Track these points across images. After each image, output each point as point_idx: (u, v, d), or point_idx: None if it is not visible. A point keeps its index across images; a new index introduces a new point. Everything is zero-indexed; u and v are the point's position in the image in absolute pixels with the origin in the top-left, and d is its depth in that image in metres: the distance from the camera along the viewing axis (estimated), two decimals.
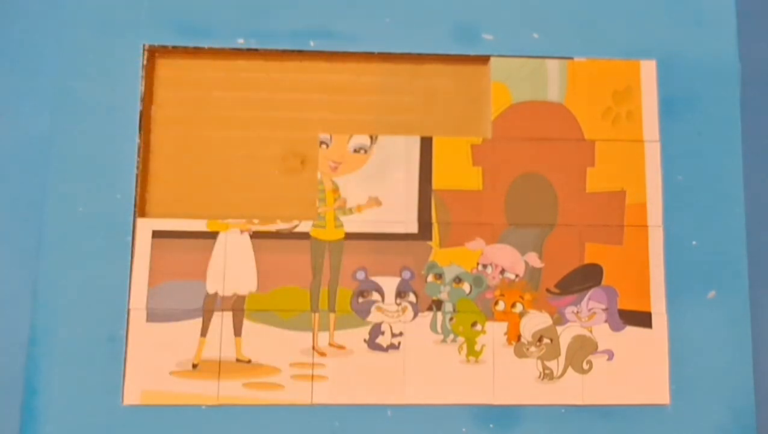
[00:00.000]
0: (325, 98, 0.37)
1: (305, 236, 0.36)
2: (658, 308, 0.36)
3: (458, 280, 0.36)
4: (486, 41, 0.38)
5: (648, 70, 0.38)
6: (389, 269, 0.36)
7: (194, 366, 0.35)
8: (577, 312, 0.36)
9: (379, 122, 0.37)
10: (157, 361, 0.35)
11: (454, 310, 0.36)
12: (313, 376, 0.35)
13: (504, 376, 0.35)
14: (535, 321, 0.36)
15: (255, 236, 0.36)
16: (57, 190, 0.35)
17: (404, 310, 0.36)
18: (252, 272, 0.35)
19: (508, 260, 0.36)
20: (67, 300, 0.34)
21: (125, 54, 0.36)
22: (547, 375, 0.36)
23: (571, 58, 0.38)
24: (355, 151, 0.37)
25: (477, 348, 0.36)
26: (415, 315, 0.36)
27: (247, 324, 0.35)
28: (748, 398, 0.36)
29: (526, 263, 0.36)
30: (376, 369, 0.35)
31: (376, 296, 0.36)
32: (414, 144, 0.37)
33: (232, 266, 0.35)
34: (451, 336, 0.36)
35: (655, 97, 0.38)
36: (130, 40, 0.37)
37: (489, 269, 0.36)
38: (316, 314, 0.35)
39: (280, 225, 0.36)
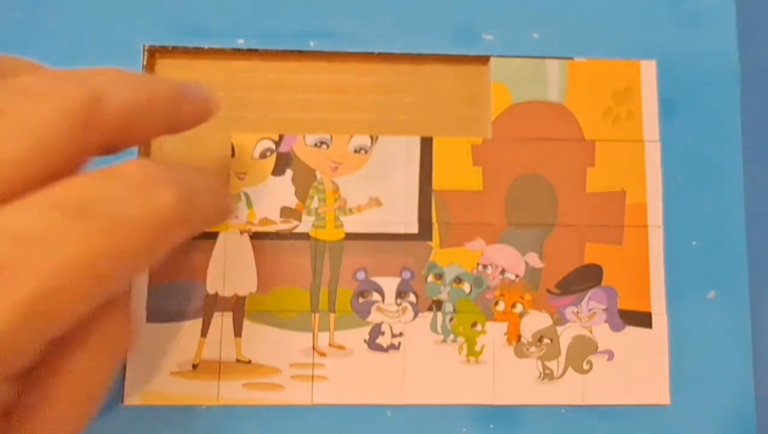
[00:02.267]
0: (325, 98, 0.37)
1: (305, 236, 0.36)
2: (658, 308, 0.36)
3: (458, 280, 0.36)
4: (486, 41, 0.38)
5: (648, 70, 0.38)
6: (389, 270, 0.36)
7: (194, 366, 0.35)
8: (577, 312, 0.36)
9: (379, 122, 0.37)
10: (157, 361, 0.35)
11: (454, 310, 0.36)
12: (313, 376, 0.35)
13: (504, 376, 0.35)
14: (535, 321, 0.36)
15: (255, 236, 0.36)
16: None
17: (404, 310, 0.36)
18: (252, 272, 0.35)
19: (509, 260, 0.36)
20: None
21: (125, 54, 0.36)
22: (547, 375, 0.36)
23: (571, 58, 0.38)
24: (356, 151, 0.37)
25: (477, 348, 0.35)
26: (415, 315, 0.36)
27: (247, 325, 0.35)
28: (748, 398, 0.36)
29: (527, 264, 0.36)
30: (376, 370, 0.35)
31: (376, 296, 0.36)
32: (414, 144, 0.37)
33: (232, 267, 0.35)
34: (451, 336, 0.36)
35: (655, 97, 0.38)
36: (130, 40, 0.37)
37: (489, 270, 0.36)
38: (316, 315, 0.35)
39: (280, 225, 0.36)
